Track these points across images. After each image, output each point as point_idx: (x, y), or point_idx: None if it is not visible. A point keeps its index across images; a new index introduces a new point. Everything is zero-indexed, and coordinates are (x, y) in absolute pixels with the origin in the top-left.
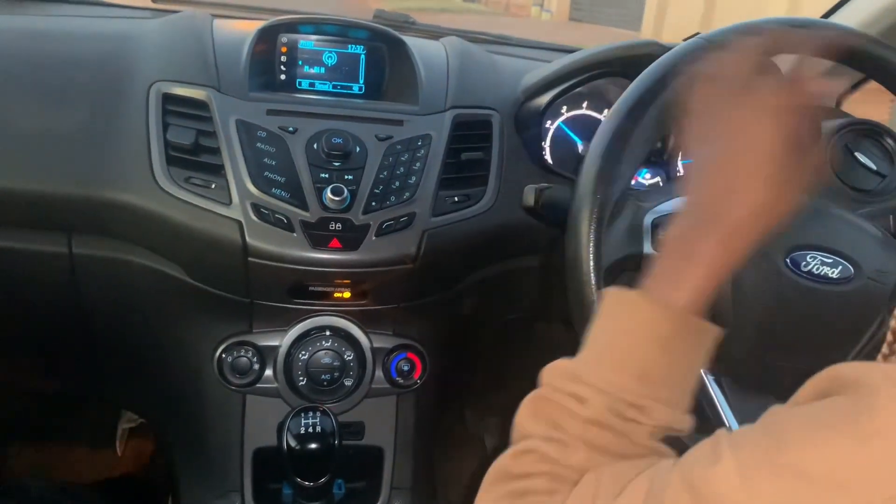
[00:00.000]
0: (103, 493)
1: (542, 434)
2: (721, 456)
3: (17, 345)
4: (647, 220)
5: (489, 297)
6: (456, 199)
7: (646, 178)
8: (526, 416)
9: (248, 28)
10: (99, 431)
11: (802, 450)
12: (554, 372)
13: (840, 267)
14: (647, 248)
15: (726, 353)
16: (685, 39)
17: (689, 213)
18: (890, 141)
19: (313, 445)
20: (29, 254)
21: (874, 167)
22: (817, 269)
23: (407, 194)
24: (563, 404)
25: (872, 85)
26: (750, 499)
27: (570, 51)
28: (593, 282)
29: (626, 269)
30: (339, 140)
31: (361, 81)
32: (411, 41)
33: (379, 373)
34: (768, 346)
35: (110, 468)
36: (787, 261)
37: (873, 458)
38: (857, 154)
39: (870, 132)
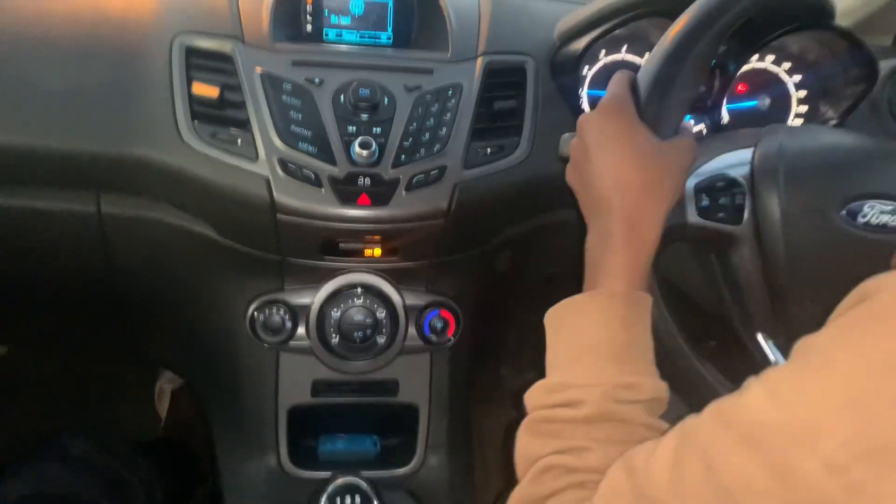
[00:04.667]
0: (142, 451)
1: (551, 450)
2: (748, 387)
3: (51, 306)
4: (689, 184)
5: (524, 252)
6: (489, 150)
7: (689, 126)
8: (526, 442)
9: None
10: (138, 392)
11: (827, 352)
12: (536, 393)
13: None
14: (692, 216)
15: (785, 315)
16: None
17: (594, 218)
18: None
19: None
20: (58, 214)
21: None
22: (875, 218)
23: (437, 146)
24: (558, 416)
25: None
26: (781, 412)
27: None
28: None
29: (671, 240)
30: (367, 91)
31: (389, 30)
32: None
33: (412, 330)
34: (825, 304)
35: (149, 428)
36: (843, 213)
37: (890, 347)
38: None
39: None
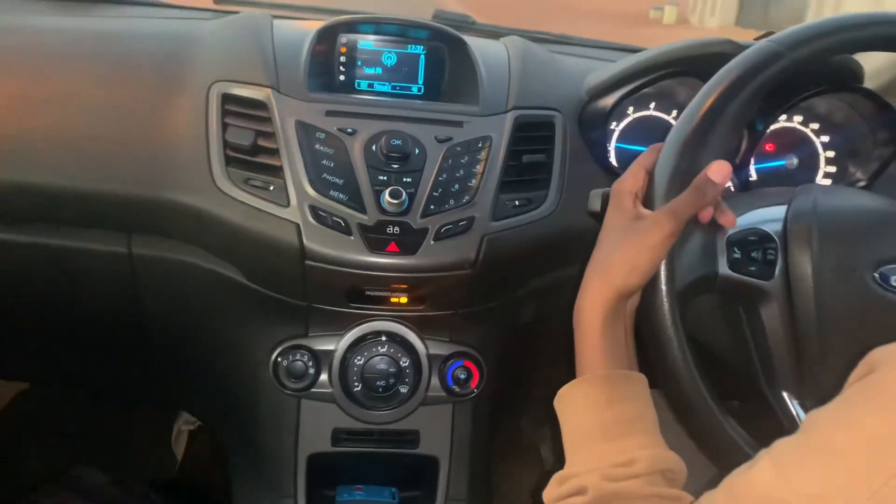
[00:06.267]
0: (158, 491)
1: None
2: (758, 460)
3: (77, 345)
4: (722, 238)
5: (550, 304)
6: (517, 202)
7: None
8: None
9: (307, 28)
10: (155, 432)
11: (829, 430)
12: (550, 488)
13: None
14: (723, 268)
15: (811, 375)
16: (757, 38)
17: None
18: None
19: None
20: (90, 253)
21: None
22: None
23: (466, 198)
24: (563, 500)
25: None
26: (786, 486)
27: (634, 50)
28: (668, 308)
29: (701, 292)
30: (398, 142)
31: (421, 82)
32: (472, 41)
33: (435, 380)
34: (852, 366)
35: (165, 469)
36: (876, 276)
37: (892, 426)
38: None
39: None
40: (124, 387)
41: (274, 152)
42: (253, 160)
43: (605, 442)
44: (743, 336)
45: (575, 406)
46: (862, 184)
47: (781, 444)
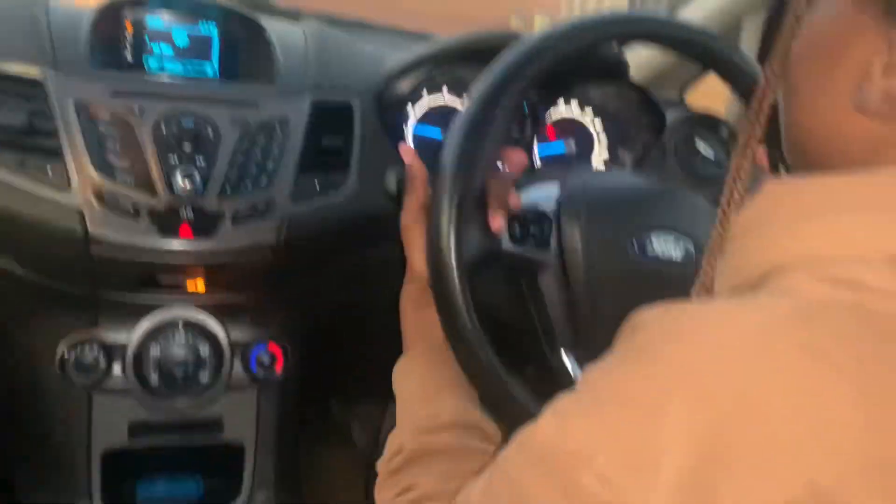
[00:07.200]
0: None
1: (393, 495)
2: (543, 414)
3: None
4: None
5: (352, 286)
6: (317, 184)
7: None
8: (379, 498)
9: (89, 3)
10: None
11: (597, 382)
12: (383, 456)
13: (683, 249)
14: (506, 243)
15: (586, 338)
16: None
17: None
18: (726, 131)
19: None
20: None
21: (712, 157)
22: (661, 249)
23: (265, 180)
24: (393, 466)
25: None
26: (565, 437)
27: (432, 38)
28: (457, 281)
29: (487, 265)
30: (190, 122)
31: (215, 62)
32: (268, 22)
33: (238, 366)
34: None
35: None
36: (635, 245)
37: (646, 378)
38: (696, 144)
39: (708, 123)
40: None
41: (52, 134)
42: (28, 142)
43: (420, 403)
44: (526, 304)
45: (401, 377)
46: (630, 166)
47: (562, 398)
